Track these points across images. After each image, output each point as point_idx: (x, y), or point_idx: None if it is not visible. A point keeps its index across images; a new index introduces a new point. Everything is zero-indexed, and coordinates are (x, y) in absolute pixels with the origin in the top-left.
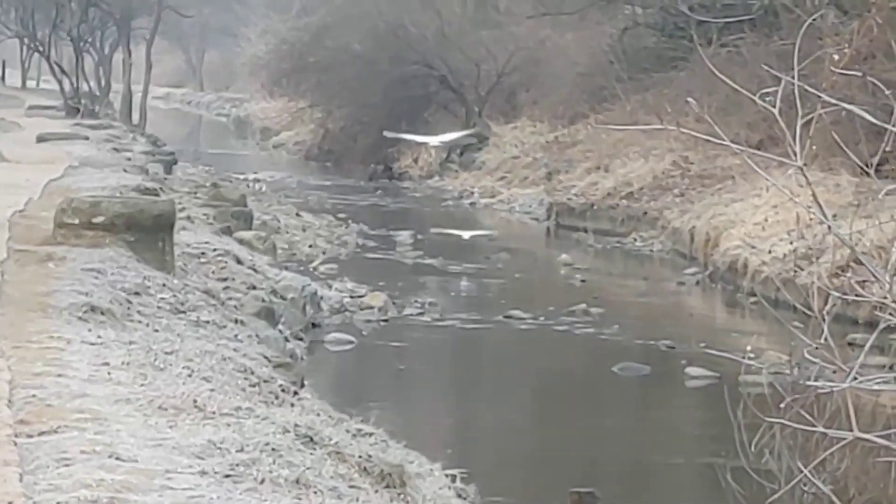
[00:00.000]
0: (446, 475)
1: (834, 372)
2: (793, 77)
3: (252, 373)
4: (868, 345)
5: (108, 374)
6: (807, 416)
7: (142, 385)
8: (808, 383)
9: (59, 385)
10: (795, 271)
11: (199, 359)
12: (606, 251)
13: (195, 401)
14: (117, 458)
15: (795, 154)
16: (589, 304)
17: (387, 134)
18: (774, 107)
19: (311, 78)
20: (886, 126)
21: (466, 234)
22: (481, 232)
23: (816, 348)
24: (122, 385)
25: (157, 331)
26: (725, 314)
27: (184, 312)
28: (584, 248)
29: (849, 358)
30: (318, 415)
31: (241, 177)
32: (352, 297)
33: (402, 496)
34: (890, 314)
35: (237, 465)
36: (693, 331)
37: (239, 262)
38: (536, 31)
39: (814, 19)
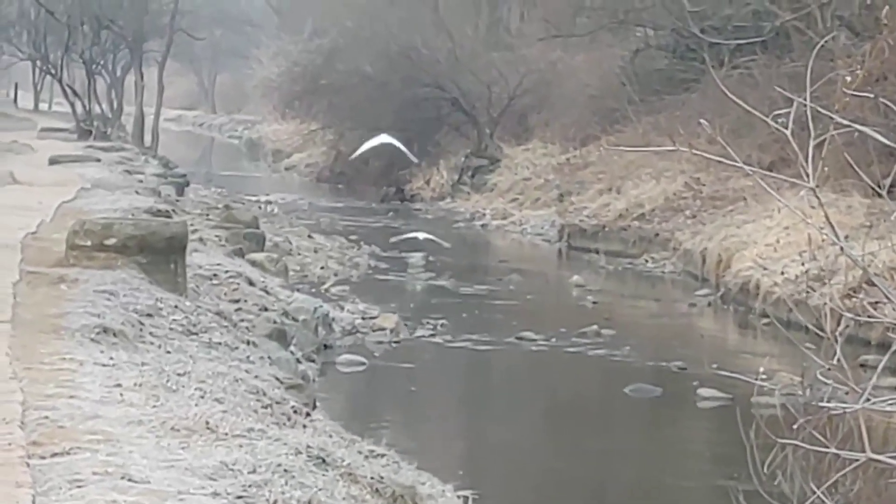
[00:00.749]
0: (458, 496)
1: (846, 393)
2: (805, 99)
3: (264, 394)
4: (881, 366)
5: (121, 395)
6: (819, 437)
7: (154, 406)
8: (821, 404)
9: (72, 406)
10: (808, 292)
11: (211, 380)
12: (618, 273)
13: (207, 422)
14: (130, 480)
15: (808, 175)
16: (600, 326)
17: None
18: (787, 128)
19: (323, 100)
20: None
21: (421, 236)
22: (432, 237)
23: (829, 369)
24: (135, 406)
25: (169, 352)
26: (737, 335)
27: (196, 334)
28: (595, 270)
29: (861, 379)
30: (331, 436)
31: (253, 199)
32: (363, 318)
33: None
34: None
35: (249, 486)
36: (705, 352)
37: (251, 283)
38: (548, 54)
39: (826, 41)
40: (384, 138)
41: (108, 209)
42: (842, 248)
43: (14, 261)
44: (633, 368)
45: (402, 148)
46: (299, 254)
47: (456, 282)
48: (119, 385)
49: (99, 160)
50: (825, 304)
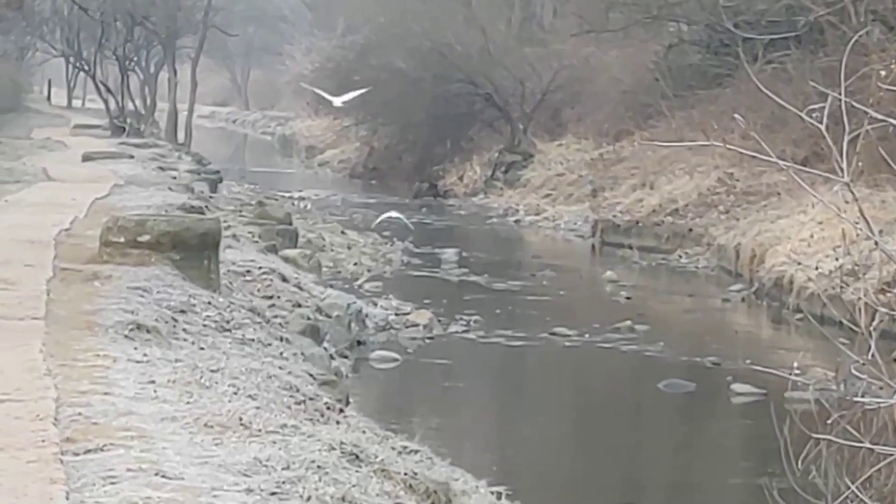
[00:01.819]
0: (492, 492)
1: (881, 388)
2: (839, 93)
3: (297, 390)
4: None
5: (154, 391)
6: (854, 432)
7: (188, 403)
8: (855, 399)
9: (106, 403)
10: (842, 287)
11: (244, 376)
12: (651, 268)
13: (241, 418)
14: (163, 476)
15: (842, 170)
16: (634, 321)
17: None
18: (821, 123)
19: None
20: None
21: (394, 214)
22: (401, 216)
23: (863, 364)
24: (168, 403)
25: (202, 349)
26: (771, 331)
27: (229, 330)
28: (629, 265)
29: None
30: (364, 432)
31: (287, 195)
32: (397, 314)
33: None
34: None
35: (283, 482)
36: (739, 347)
37: (284, 279)
38: (581, 49)
39: (860, 36)
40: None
41: (141, 206)
42: (876, 243)
43: (48, 257)
44: (666, 364)
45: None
46: (332, 250)
47: (489, 278)
48: (153, 381)
49: (132, 157)
50: (859, 298)
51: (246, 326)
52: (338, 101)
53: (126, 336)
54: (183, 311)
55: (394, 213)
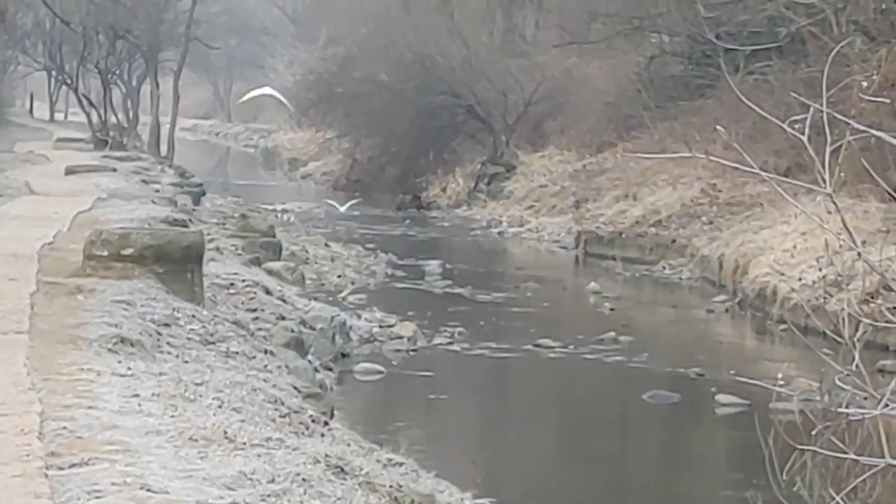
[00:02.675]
0: None
1: (865, 399)
2: (821, 104)
3: (282, 403)
4: None
5: (139, 405)
6: (838, 443)
7: (172, 416)
8: (840, 410)
9: (90, 417)
10: (825, 298)
11: (228, 390)
12: (635, 279)
13: (226, 432)
14: (148, 490)
15: (824, 181)
16: (618, 333)
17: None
18: (803, 134)
19: (339, 108)
20: None
21: (342, 208)
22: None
23: (847, 375)
24: (153, 416)
25: (186, 362)
26: (755, 341)
27: (213, 343)
28: (612, 277)
29: (880, 384)
30: (349, 445)
31: (270, 207)
32: (381, 326)
33: None
34: None
35: (268, 495)
36: (723, 358)
37: (268, 292)
38: (563, 61)
39: (841, 46)
40: (266, 90)
41: (124, 219)
42: (859, 254)
43: (31, 271)
44: (651, 375)
45: (283, 100)
46: (316, 262)
47: (473, 289)
48: (137, 395)
49: (115, 170)
50: (843, 309)
51: (230, 339)
52: (269, 90)
53: (110, 350)
54: (167, 325)
55: (330, 201)
